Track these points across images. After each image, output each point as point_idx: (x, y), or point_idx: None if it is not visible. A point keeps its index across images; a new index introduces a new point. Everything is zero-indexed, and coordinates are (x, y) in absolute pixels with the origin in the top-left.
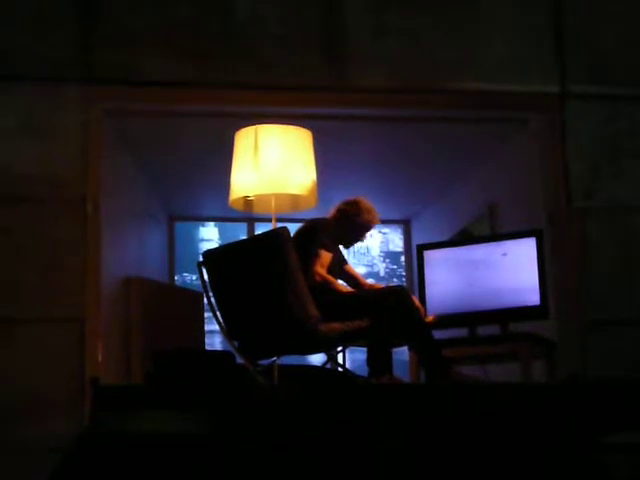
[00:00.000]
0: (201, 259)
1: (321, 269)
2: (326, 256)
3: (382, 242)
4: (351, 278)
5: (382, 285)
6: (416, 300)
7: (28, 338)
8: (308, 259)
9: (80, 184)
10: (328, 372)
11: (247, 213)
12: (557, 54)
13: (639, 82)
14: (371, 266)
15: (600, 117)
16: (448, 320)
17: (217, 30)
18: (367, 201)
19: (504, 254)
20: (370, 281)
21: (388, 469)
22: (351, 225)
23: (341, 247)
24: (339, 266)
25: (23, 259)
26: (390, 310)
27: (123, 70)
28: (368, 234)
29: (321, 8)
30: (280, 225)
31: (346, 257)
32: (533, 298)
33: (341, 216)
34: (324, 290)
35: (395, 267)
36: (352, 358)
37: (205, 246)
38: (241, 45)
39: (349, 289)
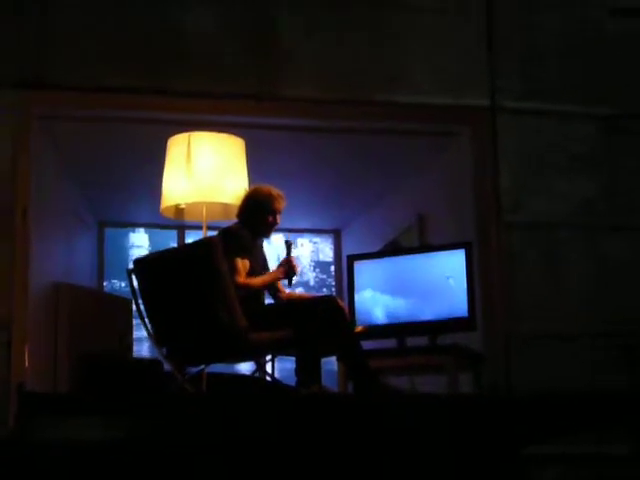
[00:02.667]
0: (131, 266)
1: (240, 278)
2: (242, 263)
3: (312, 251)
4: (272, 287)
5: (311, 294)
6: (345, 308)
7: None
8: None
9: (8, 191)
10: (257, 381)
11: (178, 221)
12: (488, 68)
13: (569, 98)
14: (301, 275)
15: (529, 131)
16: (377, 331)
17: (149, 36)
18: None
19: (433, 265)
20: (299, 290)
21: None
22: (254, 210)
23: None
24: (263, 267)
25: None
26: (319, 320)
27: (54, 76)
28: (277, 212)
29: (255, 19)
30: (210, 233)
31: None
32: (461, 310)
33: (243, 209)
34: (251, 298)
35: (325, 277)
36: (281, 367)
37: (135, 252)
38: (174, 52)
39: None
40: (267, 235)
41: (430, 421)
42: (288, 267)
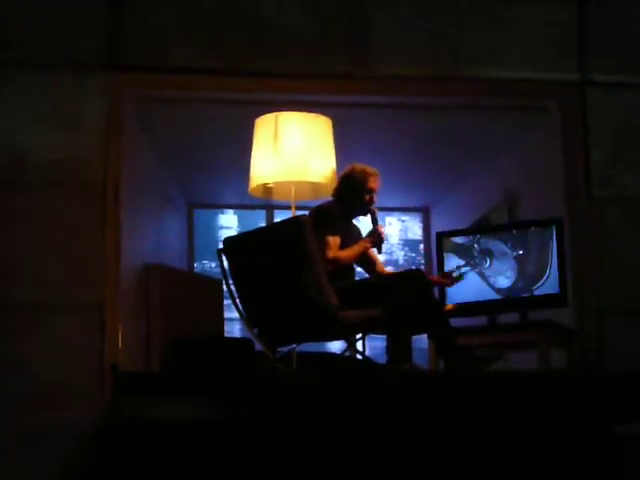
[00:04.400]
0: (221, 246)
1: (330, 253)
2: (333, 239)
3: (401, 230)
4: (369, 262)
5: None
6: (435, 278)
7: (48, 325)
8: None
9: (101, 170)
10: (348, 359)
11: (266, 201)
12: (578, 42)
13: None
14: (390, 254)
15: (619, 105)
16: (467, 308)
17: (238, 19)
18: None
19: (523, 242)
20: (388, 269)
21: (409, 456)
22: (350, 189)
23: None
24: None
25: (44, 245)
26: (406, 297)
27: (146, 58)
28: (373, 191)
29: None
30: (299, 213)
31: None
32: (552, 286)
33: (339, 188)
34: (341, 275)
35: (414, 255)
36: (372, 345)
37: (224, 234)
38: (262, 34)
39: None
40: (364, 213)
41: (523, 397)
42: (375, 235)
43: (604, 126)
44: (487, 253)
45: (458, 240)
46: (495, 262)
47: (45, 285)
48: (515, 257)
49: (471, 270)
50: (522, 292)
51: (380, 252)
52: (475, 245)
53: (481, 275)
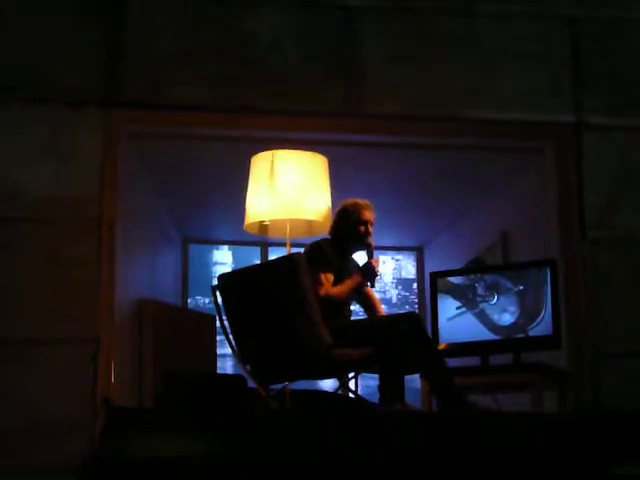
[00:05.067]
0: (215, 282)
1: (322, 290)
2: (325, 277)
3: (395, 269)
4: (368, 301)
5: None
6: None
7: (42, 358)
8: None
9: (97, 205)
10: (340, 398)
11: (261, 237)
12: (574, 84)
13: None
14: (384, 292)
15: (614, 148)
16: (460, 349)
17: (236, 56)
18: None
19: (518, 283)
20: (382, 308)
21: None
22: (343, 223)
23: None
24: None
25: (39, 279)
26: (403, 337)
27: (144, 94)
28: (367, 222)
29: (338, 36)
30: (294, 250)
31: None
32: (546, 328)
33: (334, 225)
34: (335, 313)
35: (407, 294)
36: (364, 385)
37: (219, 269)
38: (260, 71)
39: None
40: (362, 247)
41: (518, 440)
42: (366, 269)
43: (600, 168)
44: (494, 288)
45: (454, 280)
46: (501, 297)
47: (39, 319)
48: (517, 292)
49: (467, 311)
50: (515, 334)
51: (373, 286)
52: (477, 283)
53: (481, 314)
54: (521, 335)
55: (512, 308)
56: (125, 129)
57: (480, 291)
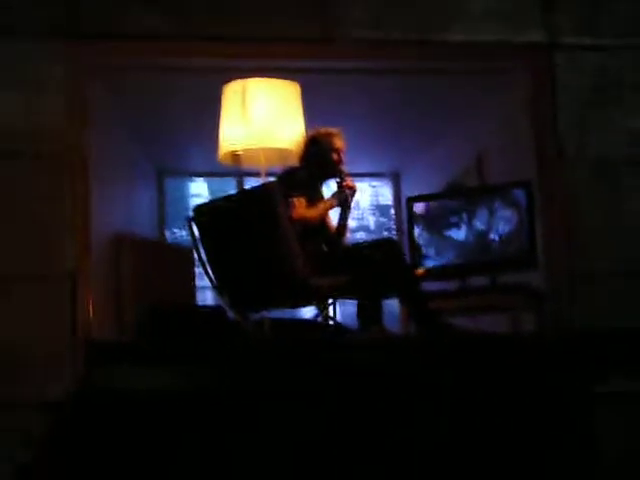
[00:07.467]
0: (191, 214)
1: (295, 213)
2: (298, 201)
3: (372, 195)
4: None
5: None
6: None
7: (19, 295)
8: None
9: (66, 138)
10: (319, 325)
11: (236, 168)
12: (544, 3)
13: (628, 33)
14: (361, 219)
15: (587, 67)
16: (438, 272)
17: None
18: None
19: (494, 205)
20: (360, 235)
21: (383, 419)
22: (316, 151)
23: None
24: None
25: (11, 215)
26: (377, 265)
27: (109, 25)
28: (339, 150)
29: None
30: (269, 179)
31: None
32: (522, 248)
33: (304, 154)
34: (309, 236)
35: (385, 220)
36: (342, 310)
37: (195, 202)
38: None
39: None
40: (335, 174)
41: (496, 360)
42: (339, 191)
43: (571, 88)
44: (470, 211)
45: (431, 205)
46: (478, 220)
47: (15, 256)
48: (493, 215)
49: (444, 235)
50: (492, 255)
51: (349, 207)
52: (454, 207)
53: (457, 237)
54: (498, 256)
55: (488, 230)
56: (92, 61)
57: (456, 214)
